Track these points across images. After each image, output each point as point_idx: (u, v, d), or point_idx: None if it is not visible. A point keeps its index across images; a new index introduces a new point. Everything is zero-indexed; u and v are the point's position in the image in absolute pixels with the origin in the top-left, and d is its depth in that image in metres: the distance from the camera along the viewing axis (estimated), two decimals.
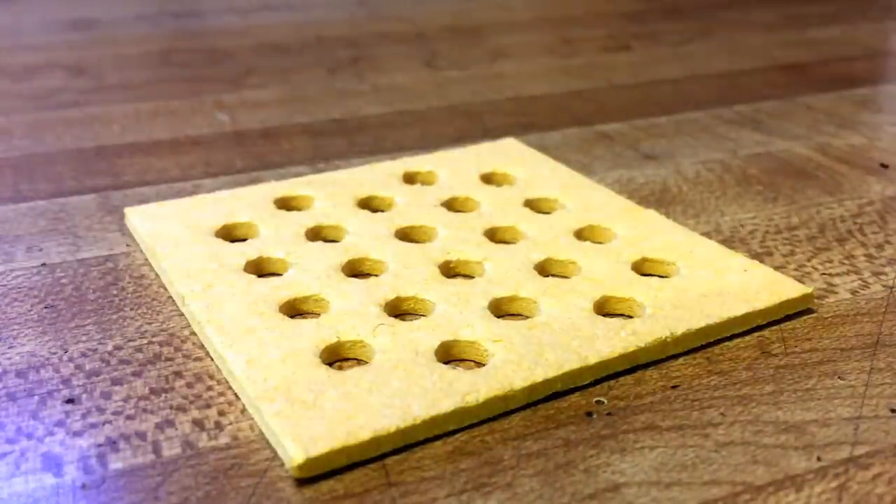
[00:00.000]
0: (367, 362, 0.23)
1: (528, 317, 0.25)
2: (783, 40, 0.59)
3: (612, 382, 0.23)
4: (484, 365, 0.23)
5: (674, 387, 0.23)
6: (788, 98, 0.47)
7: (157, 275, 0.28)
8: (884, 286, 0.28)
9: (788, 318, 0.26)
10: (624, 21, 0.64)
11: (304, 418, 0.21)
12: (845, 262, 0.29)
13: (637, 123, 0.43)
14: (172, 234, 0.29)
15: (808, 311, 0.26)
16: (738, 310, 0.25)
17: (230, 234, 0.30)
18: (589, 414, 0.22)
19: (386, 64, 0.54)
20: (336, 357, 0.24)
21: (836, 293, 0.27)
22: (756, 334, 0.25)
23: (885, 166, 0.37)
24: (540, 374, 0.22)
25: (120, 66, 0.53)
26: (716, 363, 0.24)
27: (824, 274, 0.29)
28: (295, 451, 0.20)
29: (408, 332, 0.24)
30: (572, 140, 0.39)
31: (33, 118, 0.44)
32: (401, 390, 0.22)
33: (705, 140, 0.40)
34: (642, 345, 0.24)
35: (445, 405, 0.21)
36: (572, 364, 0.23)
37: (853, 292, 0.28)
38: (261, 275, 0.27)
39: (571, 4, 0.70)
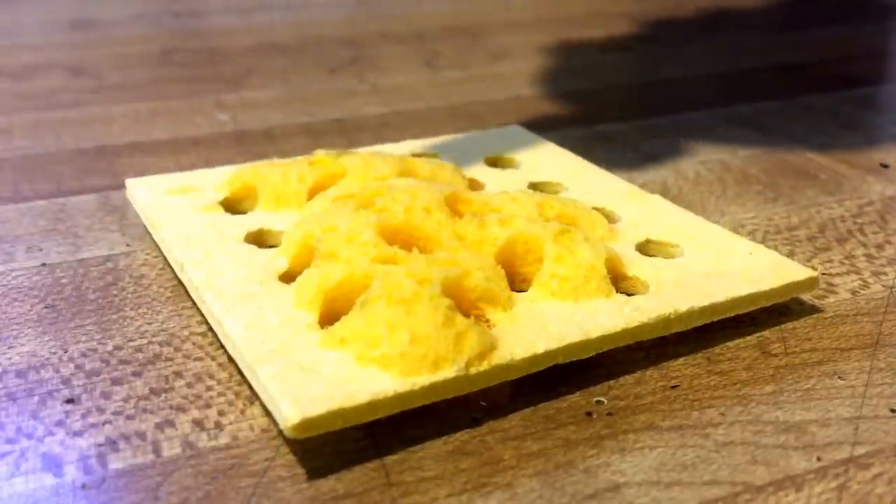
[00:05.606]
0: None
1: (523, 291, 0.25)
2: (783, 40, 0.59)
3: (611, 382, 0.23)
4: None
5: (674, 387, 0.23)
6: (788, 98, 0.47)
7: (157, 274, 0.28)
8: (884, 286, 0.28)
9: (788, 318, 0.26)
10: (624, 21, 0.64)
11: (301, 380, 0.21)
12: (845, 262, 0.29)
13: (637, 123, 0.43)
14: (173, 205, 0.29)
15: (809, 312, 0.26)
16: (743, 290, 0.25)
17: (231, 207, 0.30)
18: (589, 414, 0.22)
19: (386, 64, 0.54)
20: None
21: (836, 293, 0.27)
22: (756, 334, 0.25)
23: (885, 166, 0.37)
24: (541, 346, 0.22)
25: (120, 66, 0.53)
26: (716, 363, 0.24)
27: (824, 274, 0.29)
28: (290, 411, 0.20)
29: None
30: (572, 140, 0.39)
31: (33, 118, 0.44)
32: None
33: (705, 140, 0.40)
34: (645, 320, 0.24)
35: (445, 372, 0.21)
36: (574, 337, 0.23)
37: (853, 292, 0.28)
38: (261, 246, 0.27)
39: (571, 4, 0.70)
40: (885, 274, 0.29)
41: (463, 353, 0.21)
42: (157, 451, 0.21)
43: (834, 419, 0.22)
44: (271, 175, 0.30)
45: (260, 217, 0.29)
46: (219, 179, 0.31)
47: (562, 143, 0.37)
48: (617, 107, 0.46)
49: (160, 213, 0.29)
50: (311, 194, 0.30)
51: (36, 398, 0.23)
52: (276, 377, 0.21)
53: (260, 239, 0.28)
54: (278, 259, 0.26)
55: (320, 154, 0.31)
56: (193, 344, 0.25)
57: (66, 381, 0.23)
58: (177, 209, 0.29)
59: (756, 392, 0.23)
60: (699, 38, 0.60)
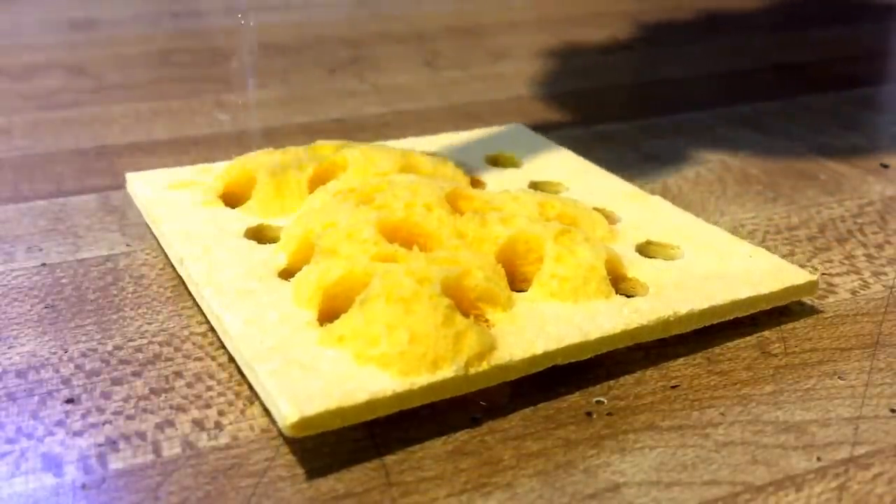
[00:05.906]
0: None
1: (523, 290, 0.25)
2: (783, 40, 0.59)
3: (611, 382, 0.23)
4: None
5: (674, 387, 0.23)
6: (788, 98, 0.47)
7: (157, 274, 0.28)
8: (884, 286, 0.28)
9: (788, 318, 0.26)
10: (624, 21, 0.64)
11: (299, 379, 0.21)
12: (845, 262, 0.29)
13: (637, 123, 0.43)
14: (173, 200, 0.29)
15: (809, 312, 0.26)
16: (743, 293, 0.25)
17: (231, 198, 0.30)
18: (589, 414, 0.22)
19: (386, 64, 0.54)
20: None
21: (836, 293, 0.27)
22: (756, 334, 0.25)
23: (885, 166, 0.37)
24: (540, 347, 0.22)
25: (120, 66, 0.53)
26: (716, 363, 0.24)
27: (824, 274, 0.29)
28: (289, 409, 0.20)
29: None
30: (572, 140, 0.39)
31: (33, 118, 0.44)
32: None
33: (705, 140, 0.40)
34: (645, 322, 0.24)
35: (444, 372, 0.21)
36: (573, 338, 0.23)
37: (853, 292, 0.28)
38: (261, 242, 0.27)
39: (572, 4, 0.70)
40: (885, 274, 0.29)
41: (462, 353, 0.21)
42: (157, 451, 0.21)
43: (834, 419, 0.22)
44: (271, 163, 0.30)
45: (259, 211, 0.29)
46: (219, 174, 0.31)
47: (562, 143, 0.37)
48: (617, 107, 0.46)
49: (160, 207, 0.29)
50: (312, 185, 0.30)
51: (36, 398, 0.23)
52: (274, 375, 0.21)
53: (260, 234, 0.28)
54: (278, 255, 0.26)
55: (321, 144, 0.31)
56: (193, 344, 0.25)
57: (66, 381, 0.23)
58: (177, 204, 0.30)
59: (756, 392, 0.23)
60: (699, 38, 0.60)
